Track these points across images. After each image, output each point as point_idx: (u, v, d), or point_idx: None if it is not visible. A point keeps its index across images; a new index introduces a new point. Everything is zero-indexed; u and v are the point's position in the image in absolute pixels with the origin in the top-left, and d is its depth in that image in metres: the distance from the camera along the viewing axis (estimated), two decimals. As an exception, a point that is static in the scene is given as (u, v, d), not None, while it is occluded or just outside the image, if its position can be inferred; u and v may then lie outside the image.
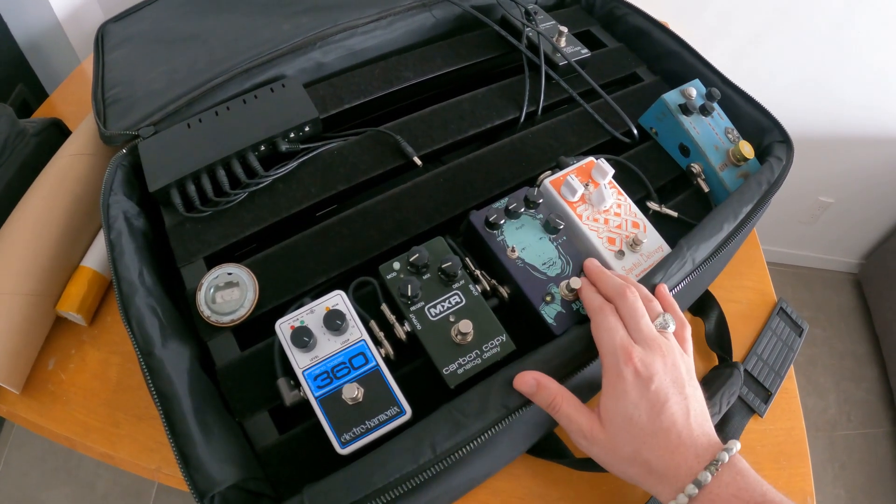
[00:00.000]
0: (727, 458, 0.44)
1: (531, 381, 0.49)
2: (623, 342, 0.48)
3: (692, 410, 0.47)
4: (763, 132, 0.76)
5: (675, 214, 0.69)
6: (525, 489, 0.60)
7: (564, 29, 0.80)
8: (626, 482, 0.59)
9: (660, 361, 0.48)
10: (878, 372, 2.06)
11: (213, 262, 0.59)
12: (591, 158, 0.65)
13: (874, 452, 1.88)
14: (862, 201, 1.91)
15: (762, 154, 0.74)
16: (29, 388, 0.62)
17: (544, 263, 0.57)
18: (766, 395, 0.71)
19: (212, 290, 0.56)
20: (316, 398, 0.49)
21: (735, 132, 0.75)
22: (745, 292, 0.80)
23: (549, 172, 0.65)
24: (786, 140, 0.73)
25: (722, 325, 0.73)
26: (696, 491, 0.43)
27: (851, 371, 2.06)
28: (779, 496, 0.43)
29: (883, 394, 2.02)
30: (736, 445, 0.45)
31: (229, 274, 0.57)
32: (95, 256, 0.67)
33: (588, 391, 0.61)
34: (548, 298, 0.55)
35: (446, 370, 0.51)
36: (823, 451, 1.85)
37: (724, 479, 0.44)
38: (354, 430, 0.48)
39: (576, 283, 0.54)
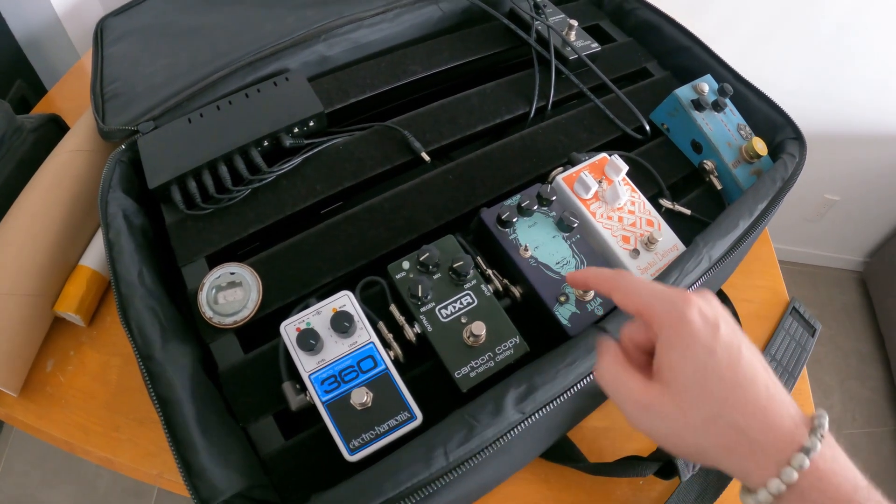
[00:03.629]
0: (827, 425, 0.35)
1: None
2: (676, 289, 0.41)
3: (767, 364, 0.38)
4: (775, 129, 0.75)
5: (687, 212, 0.68)
6: (538, 494, 0.59)
7: (574, 22, 0.79)
8: (639, 487, 0.57)
9: (717, 309, 0.39)
10: (883, 370, 2.05)
11: (215, 261, 0.58)
12: (604, 154, 0.63)
13: (879, 451, 1.87)
14: (868, 199, 1.90)
15: (774, 151, 0.73)
16: (27, 390, 0.61)
17: (558, 262, 0.55)
18: (781, 397, 0.69)
19: (214, 291, 0.55)
20: (323, 403, 0.47)
21: (747, 128, 0.74)
22: (757, 291, 0.79)
23: (560, 169, 0.64)
24: (798, 137, 0.72)
25: (736, 325, 0.71)
26: (808, 463, 0.33)
27: (856, 369, 2.05)
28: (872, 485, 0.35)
29: (888, 392, 2.01)
30: (825, 414, 0.36)
31: (232, 273, 0.56)
32: (94, 255, 0.66)
33: (603, 394, 0.60)
34: (562, 299, 0.53)
35: (458, 373, 0.49)
36: (829, 451, 1.83)
37: (828, 453, 0.34)
38: (363, 436, 0.46)
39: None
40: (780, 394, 0.36)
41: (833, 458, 0.34)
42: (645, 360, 0.41)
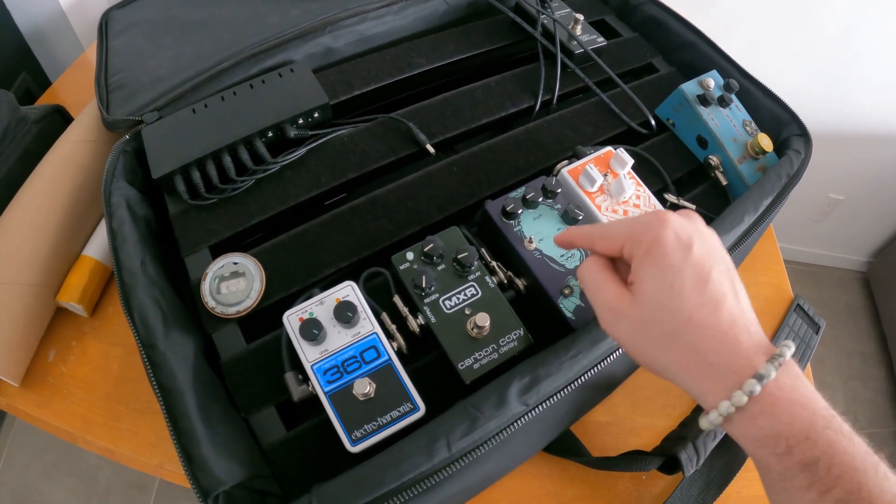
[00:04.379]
0: (789, 356, 0.36)
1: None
2: (655, 210, 0.42)
3: (739, 290, 0.39)
4: (780, 125, 0.74)
5: (692, 207, 0.67)
6: (541, 488, 0.58)
7: (580, 17, 0.79)
8: (642, 482, 0.57)
9: (695, 229, 0.40)
10: (886, 371, 2.05)
11: (218, 251, 0.58)
12: (609, 148, 0.63)
13: (881, 453, 1.85)
14: (872, 199, 1.89)
15: (780, 148, 0.73)
16: (28, 380, 0.61)
17: (562, 255, 0.55)
18: (785, 394, 0.69)
19: (217, 281, 0.55)
20: (325, 393, 0.47)
21: (753, 124, 0.73)
22: (761, 288, 0.78)
23: (566, 162, 0.63)
24: (804, 133, 0.72)
25: (740, 321, 0.71)
26: (759, 389, 0.34)
27: (859, 370, 2.04)
28: (839, 417, 0.36)
29: (890, 393, 2.00)
30: (791, 345, 0.36)
31: (235, 263, 0.55)
32: (97, 245, 0.66)
33: (606, 388, 0.60)
34: (566, 291, 0.53)
35: (461, 365, 0.49)
36: (831, 451, 1.82)
37: (786, 381, 0.35)
38: (366, 426, 0.46)
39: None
40: (743, 320, 0.37)
41: (792, 386, 0.35)
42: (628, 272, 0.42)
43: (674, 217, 0.39)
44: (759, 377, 0.35)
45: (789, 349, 0.36)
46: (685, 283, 0.37)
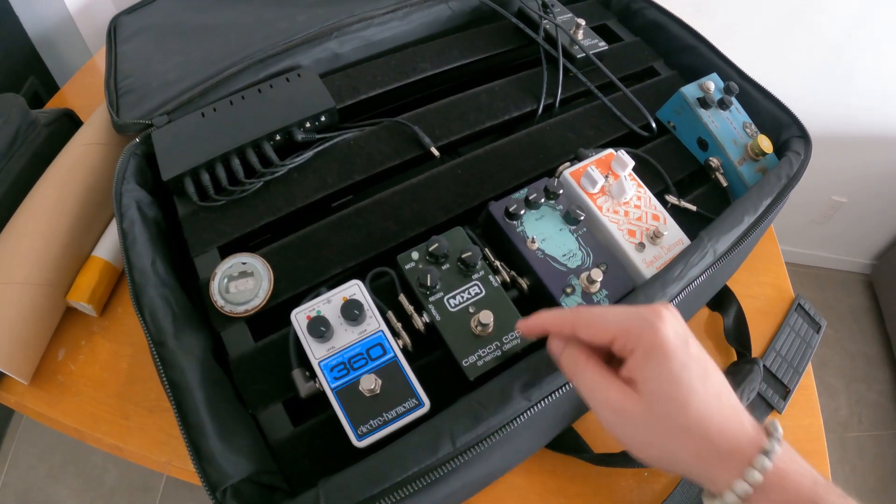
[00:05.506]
0: (780, 429, 0.38)
1: (556, 346, 0.44)
2: (643, 305, 0.42)
3: (724, 378, 0.41)
4: (780, 127, 0.75)
5: (693, 208, 0.68)
6: (542, 485, 0.59)
7: (582, 21, 0.80)
8: (644, 479, 0.58)
9: (683, 325, 0.41)
10: (890, 373, 2.05)
11: (226, 251, 0.59)
12: (610, 150, 0.64)
13: (885, 455, 1.86)
14: (875, 201, 1.89)
15: (780, 149, 0.73)
16: (38, 378, 0.62)
17: (564, 255, 0.56)
18: (785, 392, 0.70)
19: (225, 280, 0.56)
20: (332, 389, 0.48)
21: (753, 127, 0.74)
22: (762, 288, 0.79)
23: (568, 164, 0.64)
24: (804, 135, 0.72)
25: (740, 320, 0.72)
26: (769, 464, 0.36)
27: (863, 372, 2.04)
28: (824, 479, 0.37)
29: (894, 395, 2.00)
30: (777, 423, 0.39)
31: (243, 263, 0.56)
32: (107, 246, 0.67)
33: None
34: (568, 290, 0.54)
35: (466, 362, 0.50)
36: (834, 453, 1.82)
37: (785, 454, 0.37)
38: (371, 422, 0.47)
39: (597, 274, 0.53)
40: (739, 406, 0.39)
41: (790, 458, 0.37)
42: (603, 359, 0.43)
43: (667, 313, 0.40)
44: (766, 452, 0.36)
45: (778, 423, 0.38)
46: (692, 377, 0.38)
